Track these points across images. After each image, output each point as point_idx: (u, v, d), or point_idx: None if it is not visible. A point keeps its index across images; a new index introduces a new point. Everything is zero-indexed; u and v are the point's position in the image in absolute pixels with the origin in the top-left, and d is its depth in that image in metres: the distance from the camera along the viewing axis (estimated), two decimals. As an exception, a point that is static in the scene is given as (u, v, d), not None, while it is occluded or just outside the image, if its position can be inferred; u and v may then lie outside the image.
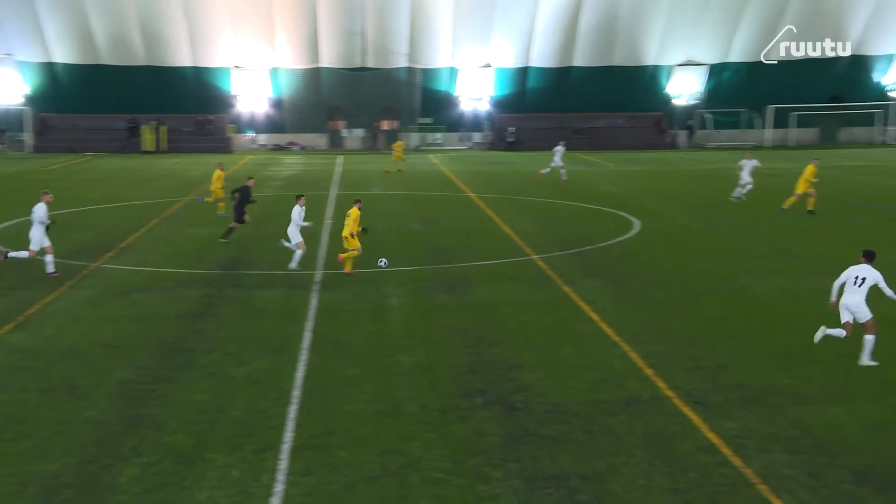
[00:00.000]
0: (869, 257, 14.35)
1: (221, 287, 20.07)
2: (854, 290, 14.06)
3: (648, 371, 13.79)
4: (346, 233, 20.70)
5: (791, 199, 31.06)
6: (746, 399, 12.51)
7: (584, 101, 69.48)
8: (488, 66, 69.74)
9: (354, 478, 10.19)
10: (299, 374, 13.81)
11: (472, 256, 23.63)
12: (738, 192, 34.23)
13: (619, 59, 69.08)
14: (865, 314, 14.01)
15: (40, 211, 21.08)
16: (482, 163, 56.20)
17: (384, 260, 21.43)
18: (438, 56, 69.26)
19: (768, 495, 9.64)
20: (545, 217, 31.17)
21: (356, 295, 19.23)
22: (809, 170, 30.73)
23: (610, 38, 67.88)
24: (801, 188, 30.81)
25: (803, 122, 68.91)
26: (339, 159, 59.66)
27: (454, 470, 10.37)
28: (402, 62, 69.16)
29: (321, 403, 12.55)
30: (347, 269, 21.03)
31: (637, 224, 28.93)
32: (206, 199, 32.58)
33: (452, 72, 70.27)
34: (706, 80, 70.22)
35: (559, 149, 44.09)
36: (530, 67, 69.74)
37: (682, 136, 70.69)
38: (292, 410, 12.26)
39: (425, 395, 12.89)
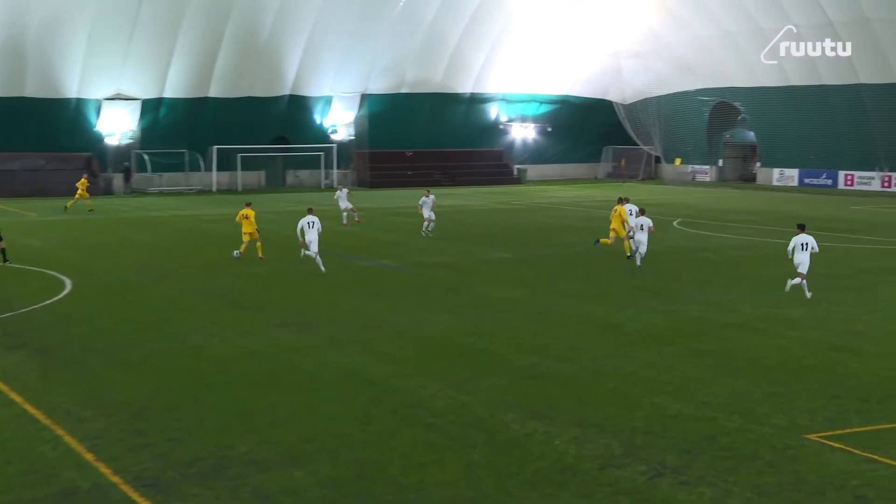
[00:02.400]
0: (802, 228, 24.71)
1: None
2: (802, 252, 24.39)
3: (89, 455, 13.09)
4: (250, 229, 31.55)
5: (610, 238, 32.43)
6: (204, 473, 12.45)
7: (-9, 139, 64.91)
8: None
9: None
10: None
11: None
12: (425, 226, 40.21)
13: (32, 90, 65.36)
14: (807, 267, 24.42)
15: None
16: None
17: None
18: None
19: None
20: (-51, 280, 28.48)
21: None
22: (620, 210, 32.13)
23: (18, 64, 63.89)
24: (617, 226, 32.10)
25: (250, 165, 71.63)
26: None
27: None
28: None
29: None
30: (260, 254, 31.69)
31: (69, 283, 27.79)
32: None
33: None
34: (140, 117, 69.84)
35: (342, 193, 47.05)
36: None
37: (118, 179, 69.52)
38: None
39: None
